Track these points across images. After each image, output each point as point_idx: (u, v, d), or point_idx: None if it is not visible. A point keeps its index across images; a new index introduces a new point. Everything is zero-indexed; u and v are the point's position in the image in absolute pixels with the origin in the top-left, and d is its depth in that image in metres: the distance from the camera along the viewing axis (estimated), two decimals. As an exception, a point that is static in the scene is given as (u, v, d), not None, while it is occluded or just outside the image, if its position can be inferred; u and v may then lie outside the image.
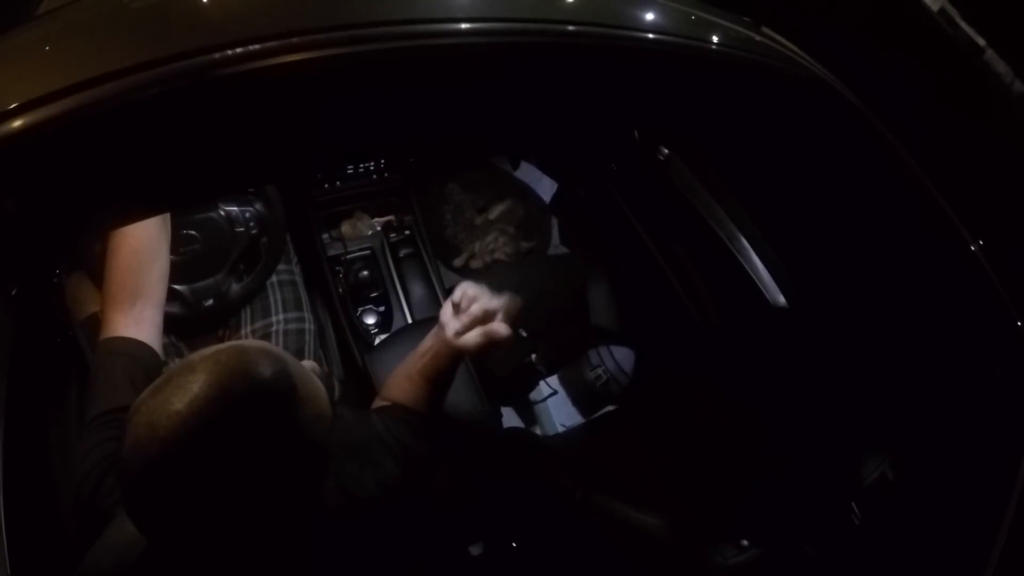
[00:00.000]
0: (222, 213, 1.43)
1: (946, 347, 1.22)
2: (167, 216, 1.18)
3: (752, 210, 1.70)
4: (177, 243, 1.33)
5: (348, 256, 1.94)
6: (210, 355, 0.66)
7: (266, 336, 1.57)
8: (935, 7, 1.23)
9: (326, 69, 0.74)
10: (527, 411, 2.07)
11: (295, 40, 0.71)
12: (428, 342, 1.11)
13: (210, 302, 1.47)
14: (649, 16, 1.01)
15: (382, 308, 1.90)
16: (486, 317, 1.03)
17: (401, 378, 1.15)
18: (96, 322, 1.28)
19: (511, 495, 1.61)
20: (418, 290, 1.94)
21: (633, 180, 2.05)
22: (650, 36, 0.97)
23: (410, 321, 1.88)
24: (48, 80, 0.67)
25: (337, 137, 0.88)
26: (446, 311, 1.06)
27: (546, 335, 1.92)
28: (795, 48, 1.19)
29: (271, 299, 1.61)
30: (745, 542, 1.25)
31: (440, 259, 2.14)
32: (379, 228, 2.03)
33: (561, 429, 2.03)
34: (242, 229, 1.46)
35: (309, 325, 1.63)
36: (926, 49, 1.11)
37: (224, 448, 0.63)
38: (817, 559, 1.24)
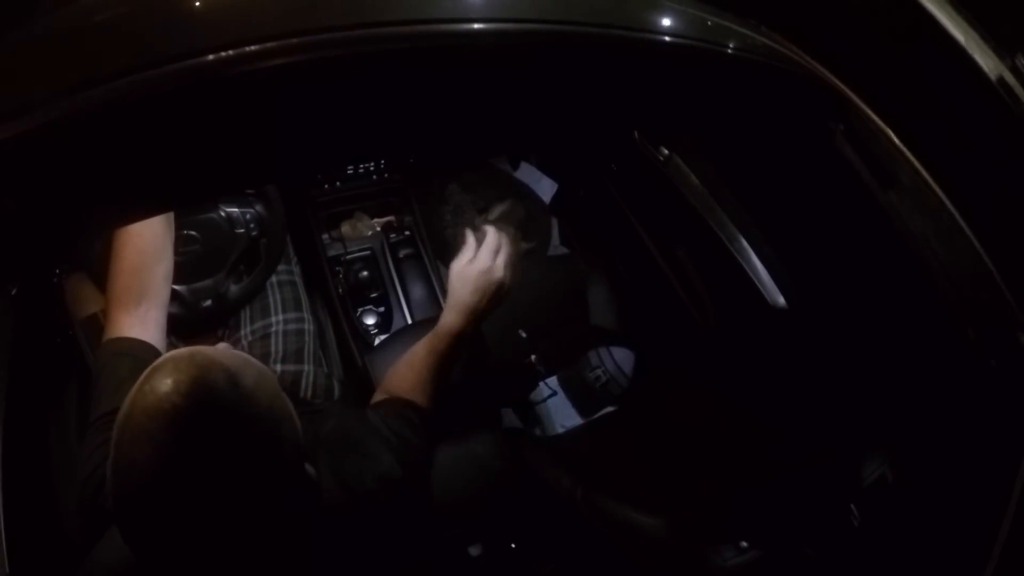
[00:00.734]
0: (223, 214, 1.43)
1: (946, 347, 1.22)
2: (171, 216, 1.18)
3: (752, 211, 1.70)
4: (177, 243, 1.33)
5: (348, 256, 1.94)
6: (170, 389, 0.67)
7: (265, 337, 1.57)
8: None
9: (326, 70, 0.75)
10: (527, 412, 2.07)
11: (294, 41, 0.71)
12: (432, 331, 1.18)
13: (209, 303, 1.47)
14: (649, 17, 1.01)
15: (382, 309, 1.90)
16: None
17: (403, 365, 1.16)
18: (96, 322, 1.28)
19: (511, 496, 1.61)
20: (418, 291, 1.94)
21: (633, 181, 2.05)
22: (649, 37, 0.97)
23: (410, 322, 1.88)
24: (48, 81, 0.67)
25: (338, 138, 0.88)
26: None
27: (546, 336, 1.93)
28: (795, 48, 1.19)
29: (270, 300, 1.61)
30: (744, 543, 1.25)
31: (440, 259, 2.14)
32: (379, 228, 2.03)
33: (561, 430, 2.03)
34: (242, 230, 1.46)
35: (308, 326, 1.63)
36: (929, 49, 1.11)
37: (197, 464, 0.65)
38: (816, 560, 1.24)
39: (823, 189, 1.45)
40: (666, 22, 1.03)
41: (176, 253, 1.33)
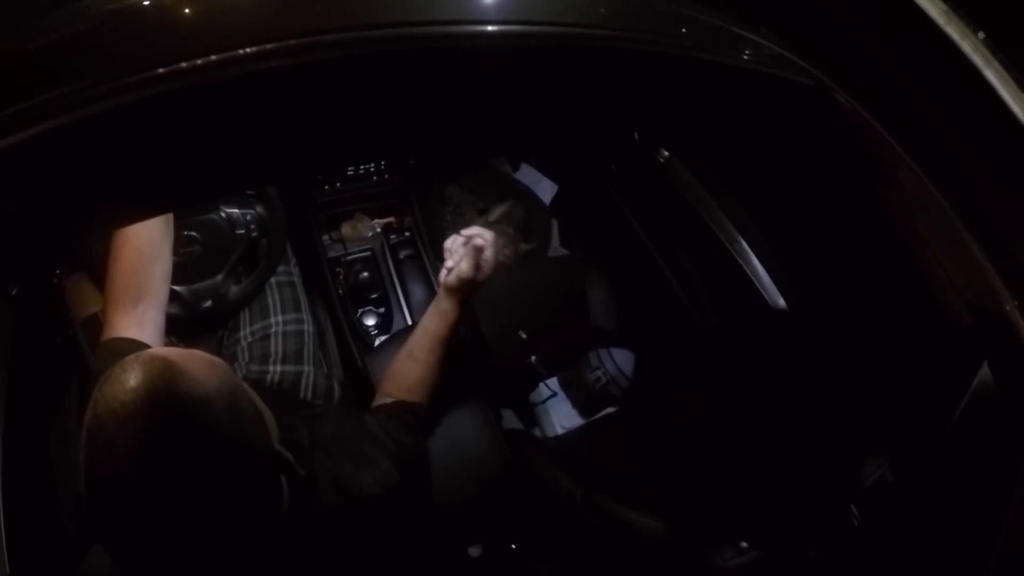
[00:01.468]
0: (223, 215, 1.44)
1: (946, 348, 1.22)
2: (170, 217, 1.18)
3: (752, 212, 1.70)
4: (177, 244, 1.34)
5: (348, 257, 1.95)
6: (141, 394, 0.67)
7: (265, 338, 1.57)
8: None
9: (326, 71, 0.75)
10: (527, 413, 2.07)
11: (292, 42, 0.71)
12: (425, 318, 1.22)
13: (209, 303, 1.47)
14: (648, 17, 1.02)
15: (382, 309, 1.90)
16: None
17: (402, 358, 1.17)
18: (96, 322, 1.28)
19: (511, 497, 1.61)
20: (418, 291, 1.94)
21: (633, 182, 2.05)
22: (648, 37, 0.97)
23: (410, 322, 1.88)
24: (48, 83, 0.67)
25: (338, 140, 0.88)
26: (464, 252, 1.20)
27: (546, 337, 1.93)
28: (794, 50, 1.19)
29: (270, 301, 1.61)
30: (744, 544, 1.24)
31: (440, 260, 2.14)
32: (379, 229, 2.03)
33: (561, 431, 2.03)
34: (242, 231, 1.46)
35: (308, 327, 1.63)
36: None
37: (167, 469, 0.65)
38: (817, 560, 1.24)
39: (822, 190, 1.46)
40: (665, 24, 1.03)
41: (176, 254, 1.34)
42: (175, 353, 0.71)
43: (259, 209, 1.48)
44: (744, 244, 1.70)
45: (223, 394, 0.70)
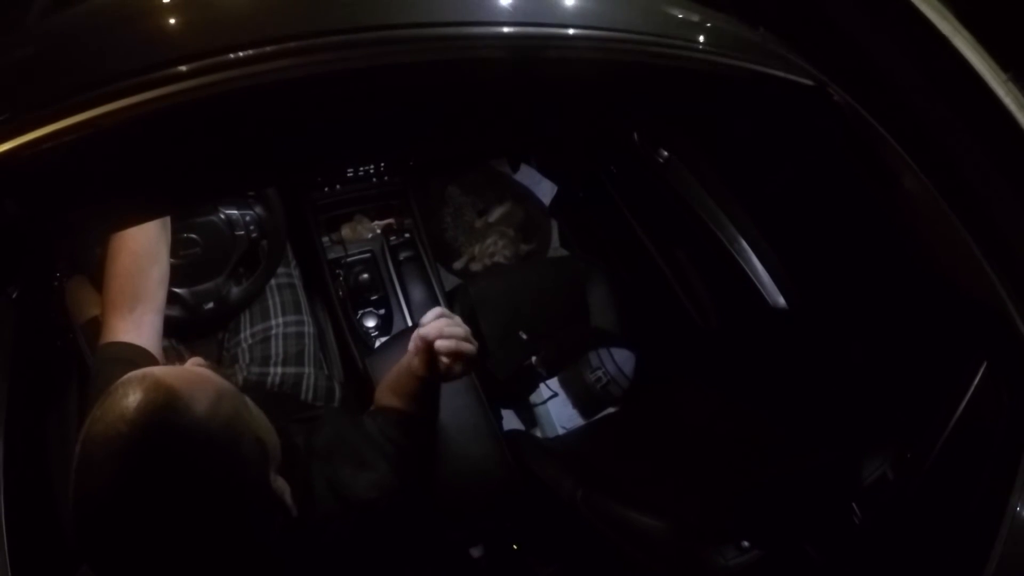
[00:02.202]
0: (222, 217, 1.43)
1: (946, 348, 1.22)
2: (167, 220, 1.18)
3: (752, 212, 1.70)
4: (177, 246, 1.34)
5: (348, 259, 1.95)
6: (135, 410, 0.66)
7: (265, 340, 1.57)
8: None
9: (325, 73, 0.75)
10: (528, 413, 2.07)
11: (291, 44, 0.71)
12: (404, 362, 1.09)
13: (210, 305, 1.47)
14: (647, 17, 1.02)
15: (382, 311, 1.90)
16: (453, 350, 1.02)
17: (387, 392, 1.14)
18: (96, 325, 1.28)
19: (512, 497, 1.61)
20: (418, 293, 1.94)
21: (633, 182, 2.06)
22: (648, 38, 0.97)
23: (410, 324, 1.88)
24: (48, 84, 0.67)
25: (339, 142, 0.88)
26: (413, 343, 1.04)
27: (546, 337, 1.93)
28: (793, 50, 1.19)
29: (270, 303, 1.61)
30: (746, 543, 1.24)
31: (440, 262, 2.15)
32: (379, 231, 2.03)
33: (562, 431, 2.03)
34: (242, 233, 1.46)
35: (308, 328, 1.63)
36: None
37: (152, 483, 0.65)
38: (818, 560, 1.24)
39: (822, 189, 1.46)
40: (664, 24, 1.03)
41: (176, 256, 1.34)
42: (184, 379, 0.70)
43: (258, 210, 1.48)
44: (744, 244, 1.70)
45: (223, 435, 0.70)
